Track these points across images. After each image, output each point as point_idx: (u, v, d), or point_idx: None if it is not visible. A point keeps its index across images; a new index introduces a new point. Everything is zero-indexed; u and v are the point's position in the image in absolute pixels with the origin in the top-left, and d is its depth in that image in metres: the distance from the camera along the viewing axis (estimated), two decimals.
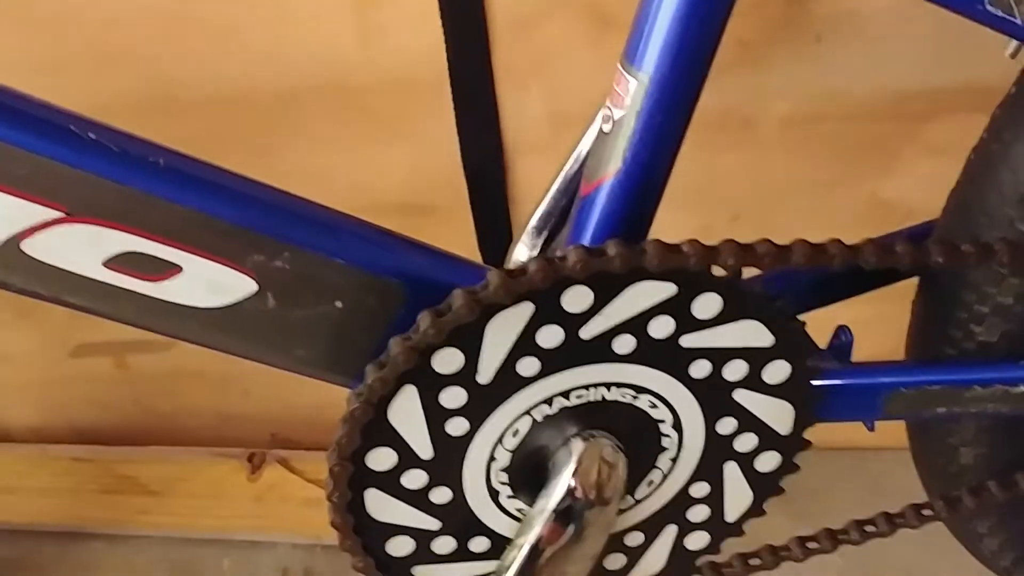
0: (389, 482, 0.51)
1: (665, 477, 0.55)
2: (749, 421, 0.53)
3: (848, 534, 0.58)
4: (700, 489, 0.56)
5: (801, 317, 0.52)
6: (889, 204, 0.82)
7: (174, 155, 0.45)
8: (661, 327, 0.49)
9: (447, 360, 0.47)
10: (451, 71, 0.76)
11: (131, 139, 0.45)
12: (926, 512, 0.59)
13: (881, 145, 0.80)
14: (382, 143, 0.81)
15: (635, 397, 0.51)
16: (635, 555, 0.58)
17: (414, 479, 0.51)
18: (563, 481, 0.50)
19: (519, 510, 0.54)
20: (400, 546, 0.53)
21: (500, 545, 0.54)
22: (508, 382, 0.49)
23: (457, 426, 0.50)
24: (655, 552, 0.58)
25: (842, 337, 0.55)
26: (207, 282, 0.46)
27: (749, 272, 0.49)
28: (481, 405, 0.49)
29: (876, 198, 0.82)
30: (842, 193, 0.83)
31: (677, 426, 0.53)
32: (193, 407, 1.01)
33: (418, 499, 0.52)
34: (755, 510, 0.58)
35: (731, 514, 0.57)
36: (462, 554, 0.55)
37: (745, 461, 0.55)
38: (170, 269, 0.45)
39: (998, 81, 0.53)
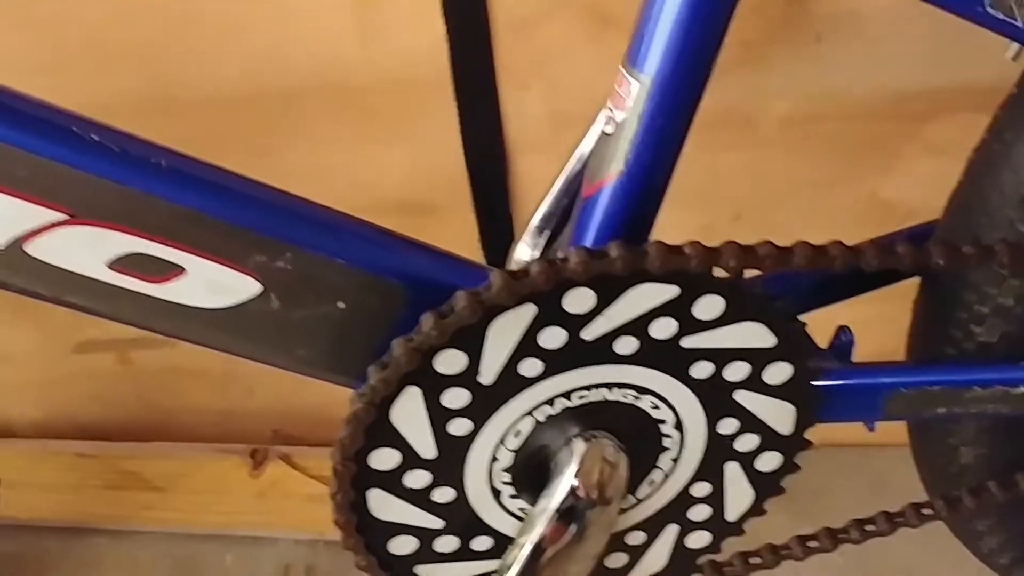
0: (392, 482, 0.51)
1: (666, 477, 0.55)
2: (750, 421, 0.53)
3: (848, 533, 0.58)
4: (701, 489, 0.56)
5: (801, 317, 0.52)
6: (889, 203, 0.82)
7: (176, 156, 0.46)
8: (663, 328, 0.49)
9: (449, 361, 0.48)
10: (453, 70, 0.76)
11: (133, 140, 0.45)
12: (926, 511, 0.59)
13: (881, 145, 0.80)
14: (383, 142, 0.81)
15: (637, 398, 0.51)
16: (636, 554, 0.58)
17: (417, 479, 0.51)
18: (565, 481, 0.51)
19: (521, 509, 0.54)
20: (403, 545, 0.54)
21: (502, 544, 0.54)
22: (510, 383, 0.49)
23: (459, 426, 0.50)
24: (656, 551, 0.58)
25: (843, 337, 0.55)
26: (209, 283, 0.46)
27: (749, 272, 0.49)
28: (483, 406, 0.50)
29: (876, 197, 0.82)
30: (842, 192, 0.83)
31: (679, 426, 0.53)
32: (196, 403, 1.01)
33: (421, 499, 0.52)
34: (756, 509, 0.58)
35: (732, 513, 0.58)
36: (464, 553, 0.55)
37: (746, 461, 0.55)
38: (173, 270, 0.45)
39: (998, 81, 0.54)
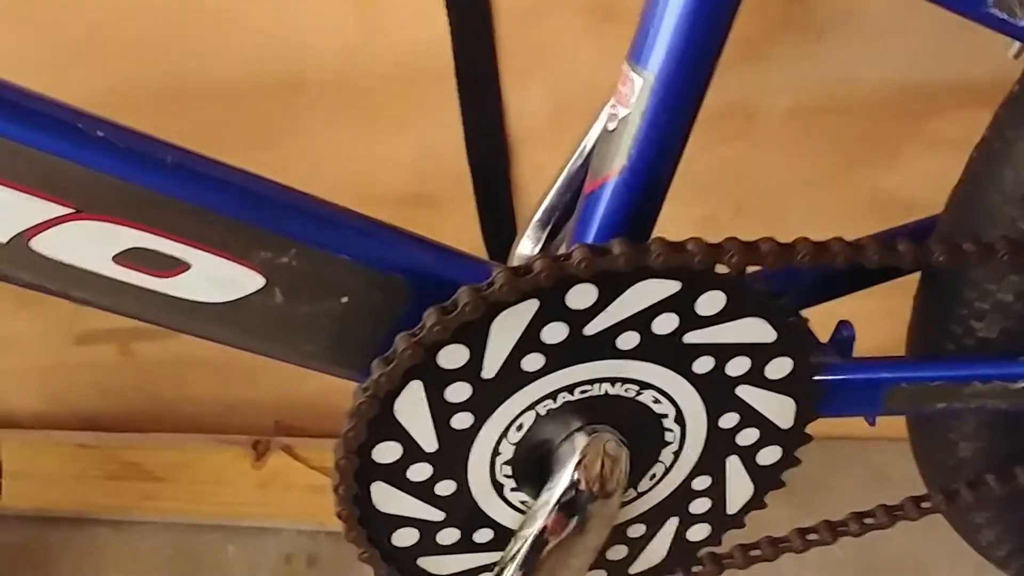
0: (394, 475, 0.51)
1: (667, 470, 0.55)
2: (751, 416, 0.54)
3: (847, 526, 0.59)
4: (702, 482, 0.56)
5: (803, 312, 0.53)
6: (890, 198, 0.82)
7: (182, 152, 0.46)
8: (665, 324, 0.49)
9: (452, 356, 0.48)
10: (456, 63, 0.76)
11: (139, 136, 0.45)
12: (925, 504, 0.59)
13: (882, 140, 0.80)
14: (386, 135, 0.81)
15: (638, 392, 0.52)
16: (637, 546, 0.58)
17: (419, 472, 0.52)
18: (567, 474, 0.51)
19: (523, 502, 0.54)
20: (405, 537, 0.54)
21: (504, 537, 0.54)
22: (513, 378, 0.49)
23: (462, 420, 0.50)
24: (657, 543, 0.59)
25: (844, 332, 0.55)
26: (214, 278, 0.46)
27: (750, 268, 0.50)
28: (486, 400, 0.50)
29: (877, 192, 0.83)
30: (843, 187, 0.83)
31: (680, 421, 0.53)
32: (197, 394, 1.02)
33: (423, 491, 0.52)
34: (756, 502, 0.58)
35: (732, 506, 0.58)
36: (466, 545, 0.55)
37: (747, 455, 0.56)
38: (178, 265, 0.46)
39: (999, 77, 0.54)
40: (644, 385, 0.51)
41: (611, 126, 0.50)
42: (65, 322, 0.98)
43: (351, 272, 0.48)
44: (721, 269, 0.49)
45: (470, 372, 0.49)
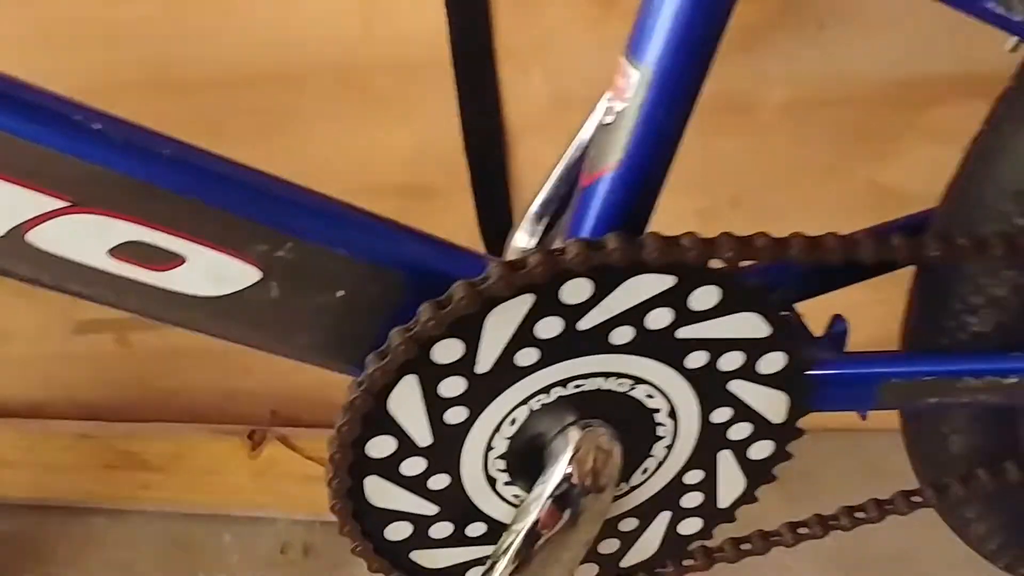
0: (388, 469, 0.51)
1: (660, 464, 0.56)
2: (744, 411, 0.54)
3: (838, 520, 0.59)
4: (694, 476, 0.57)
5: (797, 306, 0.53)
6: (887, 189, 0.82)
7: (178, 145, 0.46)
8: (659, 319, 0.49)
9: (447, 350, 0.48)
10: (453, 52, 0.76)
11: (136, 129, 0.45)
12: (916, 499, 0.59)
13: (880, 131, 0.80)
14: (384, 124, 0.81)
15: (632, 387, 0.52)
16: (629, 540, 0.59)
17: (413, 466, 0.52)
18: (560, 468, 0.51)
19: (516, 496, 0.54)
20: (398, 531, 0.54)
21: (497, 530, 0.55)
22: (507, 372, 0.49)
23: (456, 415, 0.50)
24: (649, 537, 0.59)
25: (837, 327, 0.55)
26: (210, 271, 0.46)
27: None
28: (480, 394, 0.50)
29: (874, 183, 0.83)
30: (840, 177, 0.83)
31: (673, 415, 0.54)
32: (194, 384, 1.02)
33: (416, 485, 0.52)
34: (748, 496, 0.58)
35: (724, 500, 0.58)
36: (459, 539, 0.55)
37: (739, 449, 0.56)
38: (174, 259, 0.46)
39: (997, 69, 0.53)
40: (637, 380, 0.52)
41: (607, 119, 0.50)
42: (63, 312, 0.98)
43: (347, 266, 0.48)
44: (716, 264, 0.49)
45: (464, 367, 0.49)
